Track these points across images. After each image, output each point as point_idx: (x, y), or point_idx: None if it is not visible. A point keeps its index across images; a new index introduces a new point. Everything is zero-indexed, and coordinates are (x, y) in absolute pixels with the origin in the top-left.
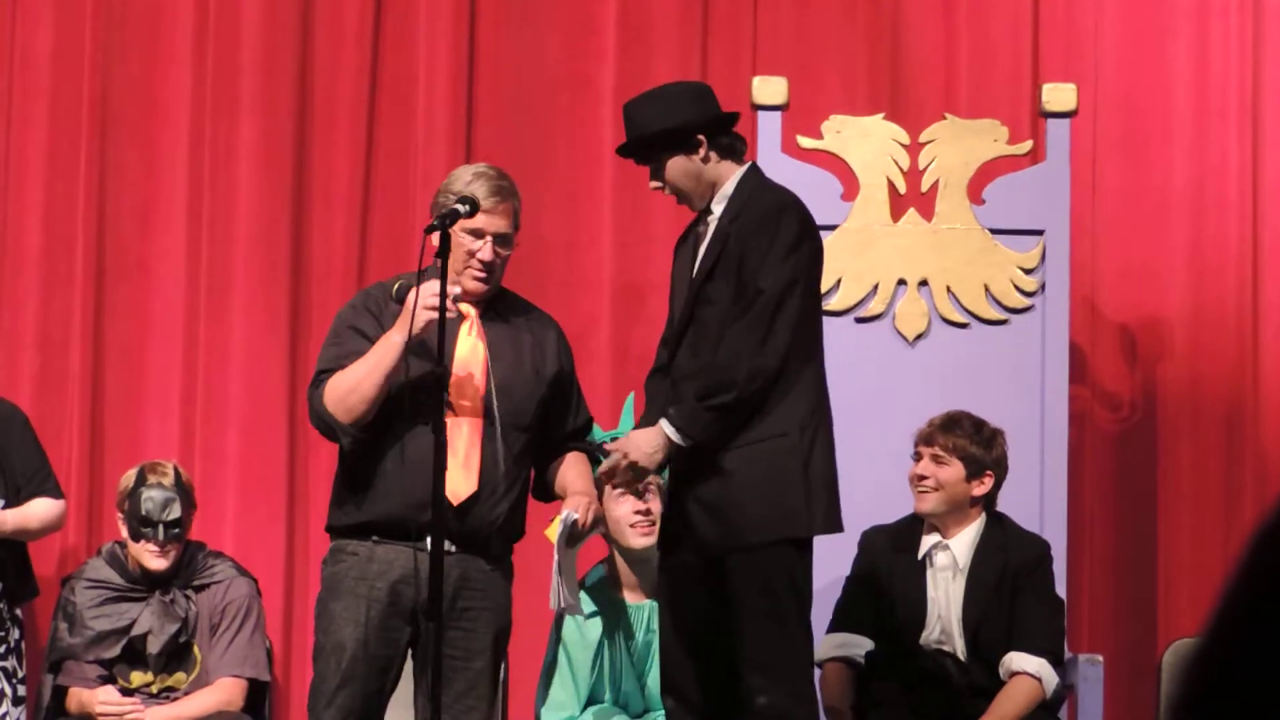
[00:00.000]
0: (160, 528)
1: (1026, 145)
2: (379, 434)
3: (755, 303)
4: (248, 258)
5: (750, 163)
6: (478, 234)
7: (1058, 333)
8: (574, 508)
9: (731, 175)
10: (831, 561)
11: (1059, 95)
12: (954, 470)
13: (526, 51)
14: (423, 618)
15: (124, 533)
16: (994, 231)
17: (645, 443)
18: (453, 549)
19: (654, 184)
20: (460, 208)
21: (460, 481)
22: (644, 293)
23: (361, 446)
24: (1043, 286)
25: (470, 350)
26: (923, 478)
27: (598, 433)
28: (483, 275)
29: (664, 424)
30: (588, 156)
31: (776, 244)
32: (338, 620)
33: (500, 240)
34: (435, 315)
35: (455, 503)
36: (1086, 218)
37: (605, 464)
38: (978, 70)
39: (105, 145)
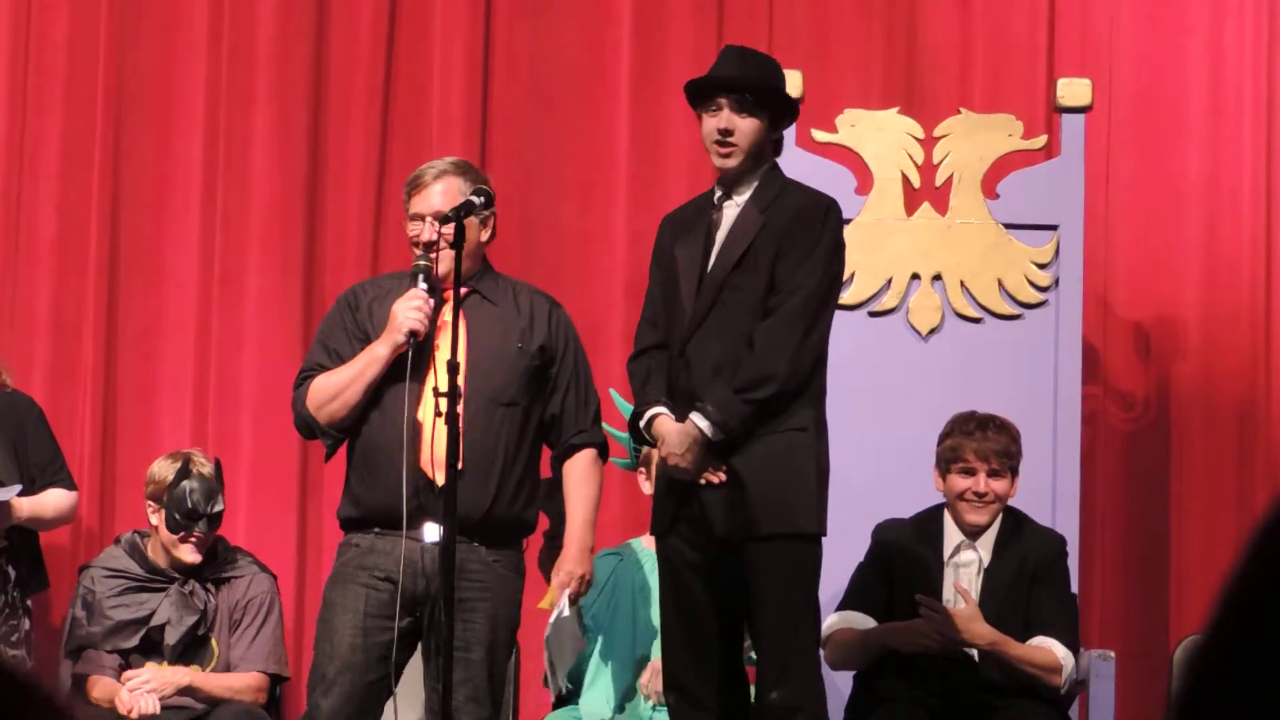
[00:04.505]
0: (204, 520)
1: (1041, 140)
2: (364, 426)
3: (795, 297)
4: (261, 247)
5: (773, 160)
6: (417, 218)
7: (1071, 328)
8: (572, 589)
9: (759, 168)
10: (833, 559)
11: (1074, 90)
12: (1008, 480)
13: (542, 43)
14: (425, 608)
15: (155, 523)
16: (1008, 226)
17: (676, 444)
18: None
19: (722, 125)
20: (475, 199)
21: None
22: None
23: (344, 442)
24: (1056, 281)
25: (449, 331)
26: (982, 494)
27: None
28: (432, 256)
29: (695, 417)
30: (602, 148)
31: (822, 243)
32: (336, 608)
33: (440, 218)
34: (417, 328)
35: (439, 485)
36: (1100, 213)
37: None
38: (993, 65)
39: (120, 134)
